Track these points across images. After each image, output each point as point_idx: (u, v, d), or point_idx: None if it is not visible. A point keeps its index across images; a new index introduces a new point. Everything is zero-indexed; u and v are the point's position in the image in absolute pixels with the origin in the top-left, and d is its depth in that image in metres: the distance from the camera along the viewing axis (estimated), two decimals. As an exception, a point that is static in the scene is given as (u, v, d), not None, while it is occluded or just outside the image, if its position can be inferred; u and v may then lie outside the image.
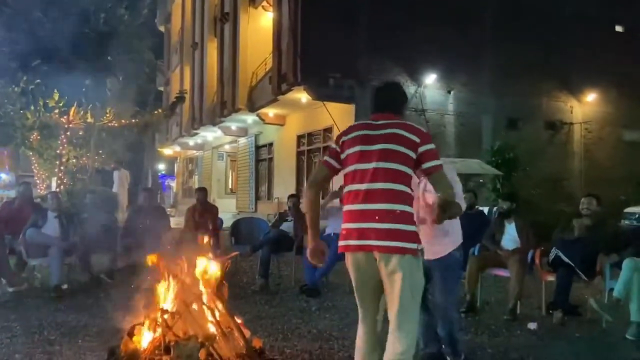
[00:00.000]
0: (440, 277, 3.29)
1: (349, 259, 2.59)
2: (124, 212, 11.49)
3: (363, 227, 2.47)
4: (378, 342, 2.58)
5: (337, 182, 4.58)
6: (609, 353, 3.95)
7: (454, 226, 3.29)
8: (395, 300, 2.45)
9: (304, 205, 2.72)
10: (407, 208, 2.47)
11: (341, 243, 2.57)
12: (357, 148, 2.55)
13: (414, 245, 2.45)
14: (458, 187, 3.10)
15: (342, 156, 2.60)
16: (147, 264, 3.23)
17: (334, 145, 2.67)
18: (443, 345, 3.46)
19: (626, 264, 4.49)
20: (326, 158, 2.68)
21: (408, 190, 2.50)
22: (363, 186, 2.49)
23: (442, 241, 3.28)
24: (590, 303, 4.64)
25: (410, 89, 13.75)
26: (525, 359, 3.70)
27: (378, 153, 2.49)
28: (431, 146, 2.52)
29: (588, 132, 16.08)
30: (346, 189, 2.58)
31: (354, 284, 2.62)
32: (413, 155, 2.50)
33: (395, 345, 2.44)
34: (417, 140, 2.51)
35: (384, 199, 2.44)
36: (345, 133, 2.65)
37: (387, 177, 2.46)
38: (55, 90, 11.55)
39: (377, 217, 2.43)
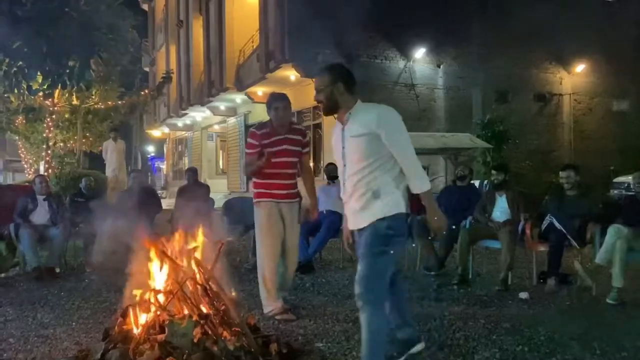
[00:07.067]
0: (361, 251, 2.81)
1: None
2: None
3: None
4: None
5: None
6: (599, 321, 4.01)
7: (373, 202, 2.79)
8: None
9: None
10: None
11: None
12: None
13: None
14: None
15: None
16: (139, 245, 3.21)
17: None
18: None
19: (610, 230, 4.52)
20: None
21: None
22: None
23: (360, 213, 2.84)
24: (574, 265, 4.71)
25: (399, 63, 13.65)
26: (517, 328, 3.75)
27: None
28: None
29: (577, 103, 16.10)
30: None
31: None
32: None
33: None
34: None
35: None
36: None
37: None
38: (39, 73, 11.34)
39: None
